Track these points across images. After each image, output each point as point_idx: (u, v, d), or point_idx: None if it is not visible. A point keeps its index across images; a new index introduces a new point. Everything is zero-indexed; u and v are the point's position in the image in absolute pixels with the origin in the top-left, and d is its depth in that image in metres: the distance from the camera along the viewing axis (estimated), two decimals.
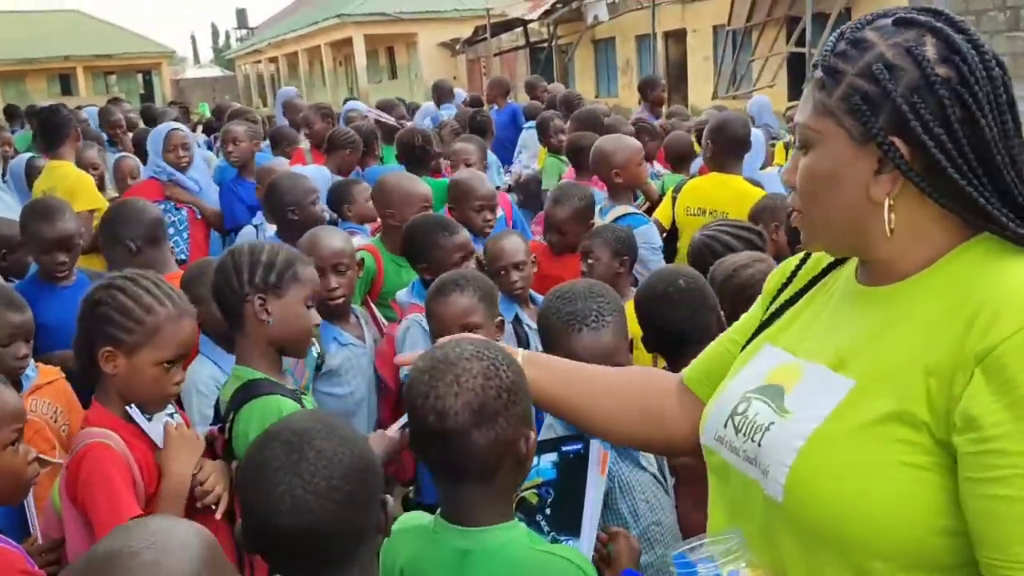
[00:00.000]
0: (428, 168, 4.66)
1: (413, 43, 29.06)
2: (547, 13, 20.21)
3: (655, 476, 1.87)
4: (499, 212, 3.78)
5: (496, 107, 8.06)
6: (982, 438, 0.95)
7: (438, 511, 1.39)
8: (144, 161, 5.14)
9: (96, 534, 1.68)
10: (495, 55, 23.24)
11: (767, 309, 1.33)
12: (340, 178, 4.77)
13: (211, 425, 2.13)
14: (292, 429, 1.30)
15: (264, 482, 1.24)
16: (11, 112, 11.52)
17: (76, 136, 4.91)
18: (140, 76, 41.40)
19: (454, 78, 19.62)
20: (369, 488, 1.29)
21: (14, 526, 2.00)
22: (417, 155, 4.67)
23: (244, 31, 49.23)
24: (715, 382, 1.33)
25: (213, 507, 1.80)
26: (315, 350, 2.64)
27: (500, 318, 2.42)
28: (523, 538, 1.34)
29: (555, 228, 3.39)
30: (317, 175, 4.56)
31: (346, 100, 10.39)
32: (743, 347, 1.33)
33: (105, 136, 7.31)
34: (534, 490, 1.59)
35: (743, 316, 1.42)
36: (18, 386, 2.28)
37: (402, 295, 2.98)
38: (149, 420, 1.86)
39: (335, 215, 4.20)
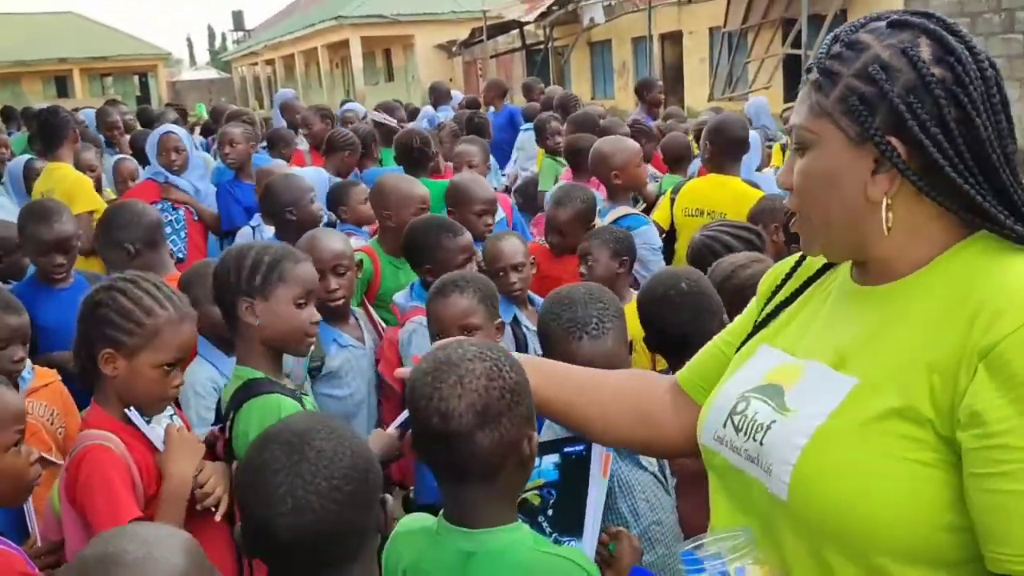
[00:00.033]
0: (426, 170, 4.66)
1: (410, 45, 29.07)
2: (543, 15, 20.23)
3: (655, 475, 1.87)
4: (500, 214, 3.78)
5: (493, 109, 8.07)
6: (986, 434, 0.95)
7: (441, 513, 1.38)
8: (142, 163, 5.13)
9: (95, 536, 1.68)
10: (491, 57, 23.25)
11: (762, 311, 1.34)
12: (339, 180, 4.77)
13: (212, 425, 2.13)
14: (291, 430, 1.30)
15: (264, 483, 1.24)
16: (7, 114, 11.48)
17: (74, 138, 4.91)
18: (136, 78, 41.36)
19: (450, 80, 19.59)
20: (369, 488, 1.30)
21: (13, 528, 2.00)
22: (415, 157, 4.67)
23: (240, 33, 49.18)
24: (709, 384, 1.33)
25: (213, 509, 1.80)
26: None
27: (500, 320, 2.42)
28: (527, 540, 1.34)
29: (556, 229, 3.39)
30: (316, 177, 4.56)
31: (343, 102, 10.37)
32: (738, 349, 1.33)
33: (103, 138, 7.30)
34: (536, 491, 1.58)
35: (736, 318, 1.42)
36: (15, 388, 2.28)
37: (400, 297, 2.98)
38: (148, 422, 1.86)
39: (334, 217, 4.20)
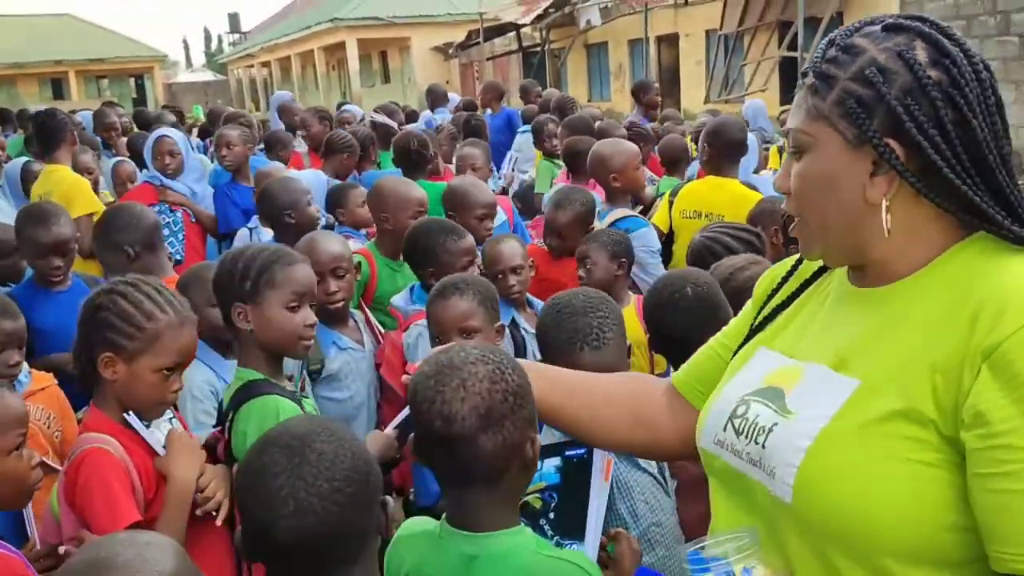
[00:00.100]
0: (425, 172, 4.66)
1: (406, 47, 29.05)
2: (540, 18, 20.22)
3: (655, 477, 1.87)
4: (502, 216, 3.78)
5: (491, 111, 8.07)
6: (990, 433, 0.96)
7: (443, 516, 1.38)
8: (139, 165, 5.13)
9: None
10: (488, 59, 23.26)
11: (758, 313, 1.34)
12: (337, 182, 4.77)
13: (213, 427, 2.12)
14: (291, 433, 1.30)
15: (265, 486, 1.24)
16: (3, 116, 11.44)
17: (72, 140, 4.90)
18: (132, 80, 41.26)
19: (447, 82, 19.57)
20: (370, 489, 1.30)
21: (12, 532, 1.99)
22: (413, 159, 4.67)
23: (237, 35, 49.19)
24: (706, 387, 1.34)
25: (213, 513, 1.80)
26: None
27: (500, 323, 2.42)
28: (530, 543, 1.34)
29: (556, 232, 3.38)
30: (314, 179, 4.56)
31: (340, 104, 10.36)
32: (735, 352, 1.33)
33: (100, 140, 7.30)
34: (537, 494, 1.58)
35: (732, 321, 1.43)
36: None
37: (399, 300, 2.98)
38: (147, 426, 1.86)
39: (332, 219, 4.20)
